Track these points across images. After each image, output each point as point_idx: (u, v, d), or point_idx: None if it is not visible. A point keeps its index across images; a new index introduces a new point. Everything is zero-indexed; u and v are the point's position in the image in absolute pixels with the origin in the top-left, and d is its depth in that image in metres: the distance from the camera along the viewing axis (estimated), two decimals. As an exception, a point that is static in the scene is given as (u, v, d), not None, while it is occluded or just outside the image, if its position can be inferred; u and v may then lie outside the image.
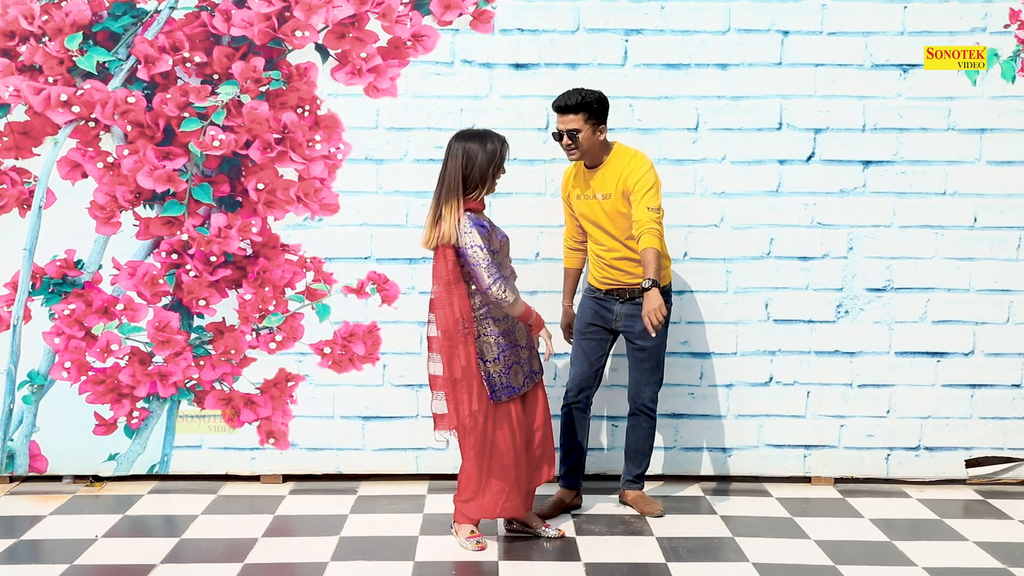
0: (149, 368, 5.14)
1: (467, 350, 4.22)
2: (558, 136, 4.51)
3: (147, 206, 5.11)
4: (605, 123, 4.53)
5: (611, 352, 4.82)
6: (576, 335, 4.76)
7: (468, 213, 4.19)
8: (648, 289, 4.32)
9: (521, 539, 4.45)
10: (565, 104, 4.45)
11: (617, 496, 4.93)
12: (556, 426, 4.74)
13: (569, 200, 4.71)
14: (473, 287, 4.26)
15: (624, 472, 4.86)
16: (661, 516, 4.69)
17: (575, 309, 4.84)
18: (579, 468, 4.78)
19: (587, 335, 4.72)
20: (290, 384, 5.20)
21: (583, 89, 4.50)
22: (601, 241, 4.62)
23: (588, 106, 4.44)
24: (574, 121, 4.44)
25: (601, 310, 4.69)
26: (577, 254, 4.83)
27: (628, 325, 4.66)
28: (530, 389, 4.40)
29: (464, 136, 4.28)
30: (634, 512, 4.77)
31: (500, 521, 4.55)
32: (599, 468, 5.21)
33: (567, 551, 4.33)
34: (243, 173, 5.09)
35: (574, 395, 4.72)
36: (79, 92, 5.01)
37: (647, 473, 4.93)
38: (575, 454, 4.76)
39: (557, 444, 4.69)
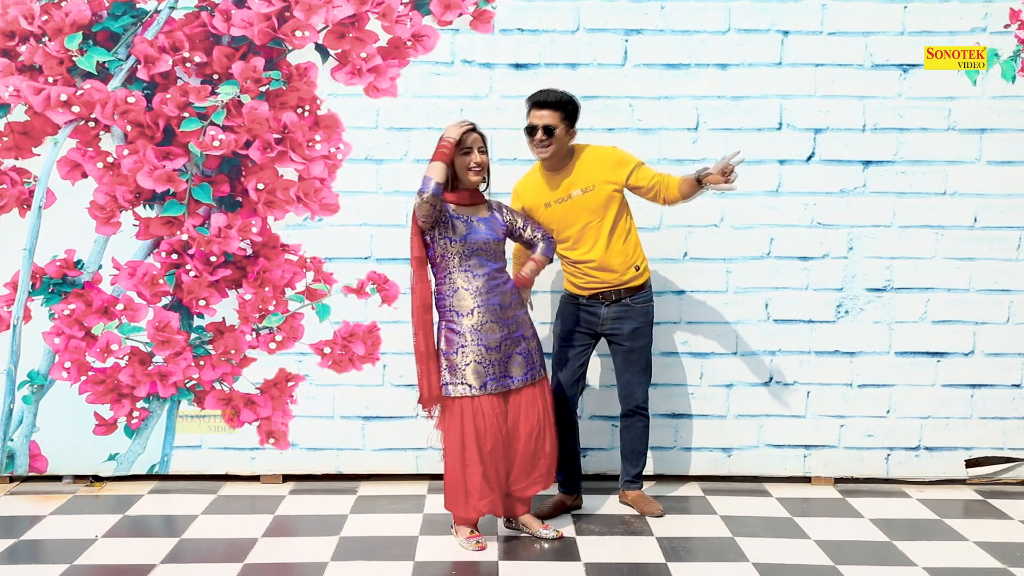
0: (149, 368, 5.14)
1: (425, 336, 4.28)
2: (531, 130, 4.45)
3: (147, 206, 5.11)
4: (575, 128, 4.53)
5: (591, 356, 4.78)
6: (558, 342, 4.72)
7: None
8: (703, 171, 4.42)
9: (521, 539, 4.45)
10: (544, 100, 4.43)
11: (617, 496, 4.93)
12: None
13: (534, 213, 4.61)
14: (444, 276, 4.31)
15: (622, 472, 4.86)
16: (661, 516, 4.69)
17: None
18: (575, 473, 4.76)
19: (570, 342, 4.68)
20: (290, 384, 5.20)
21: (560, 90, 4.50)
22: (582, 245, 4.55)
23: (565, 106, 4.45)
24: (551, 117, 4.42)
25: (585, 315, 4.65)
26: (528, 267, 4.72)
27: (616, 328, 4.63)
28: (512, 393, 4.36)
29: None
30: (634, 512, 4.77)
31: (500, 521, 4.55)
32: (599, 468, 5.21)
33: (567, 551, 4.33)
34: (243, 173, 5.09)
35: (561, 403, 4.67)
36: (79, 92, 5.01)
37: (645, 472, 4.94)
38: (570, 460, 4.73)
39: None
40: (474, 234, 4.30)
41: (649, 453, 4.99)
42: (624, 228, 4.59)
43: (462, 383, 4.28)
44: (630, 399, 4.73)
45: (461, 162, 4.28)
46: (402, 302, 5.16)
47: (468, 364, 4.27)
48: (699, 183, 4.45)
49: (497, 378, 4.32)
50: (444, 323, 4.33)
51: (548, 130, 4.42)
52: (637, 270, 4.61)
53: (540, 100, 4.45)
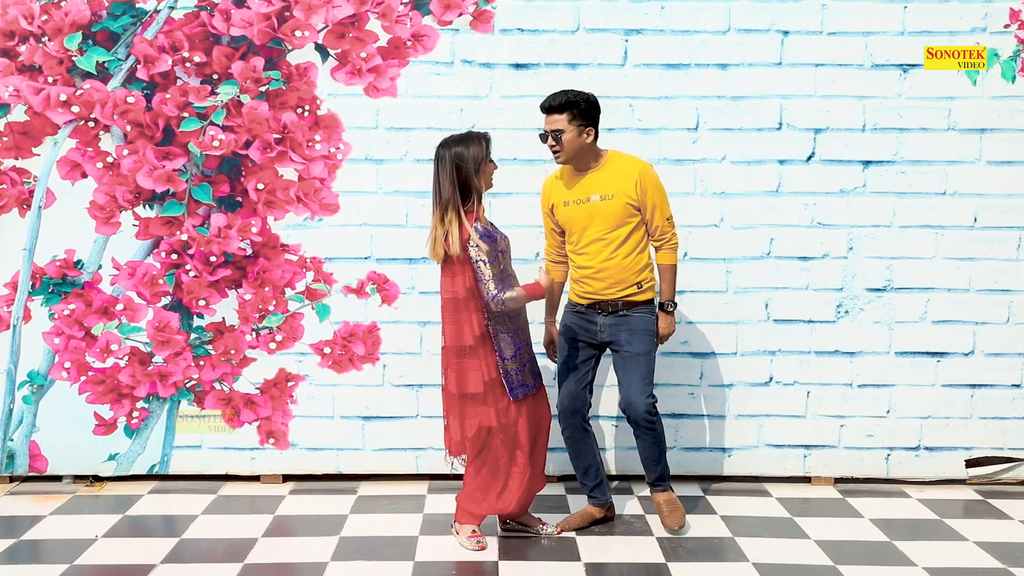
0: (149, 368, 5.14)
1: (486, 362, 4.24)
2: (543, 137, 4.40)
3: (147, 206, 5.11)
4: (594, 126, 4.40)
5: (598, 367, 4.66)
6: (562, 354, 4.62)
7: (476, 224, 4.19)
8: (669, 312, 4.54)
9: (521, 538, 4.45)
10: (550, 104, 4.35)
11: (617, 497, 4.92)
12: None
13: (553, 210, 4.54)
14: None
15: (646, 476, 4.68)
16: (679, 531, 4.54)
17: (557, 326, 4.73)
18: (602, 482, 4.65)
19: (574, 354, 4.57)
20: (290, 384, 5.20)
21: (572, 90, 4.40)
22: (587, 250, 4.45)
23: (574, 105, 4.32)
24: (559, 121, 4.34)
25: (585, 323, 4.54)
26: (559, 267, 4.67)
27: (614, 335, 4.48)
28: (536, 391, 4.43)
29: (449, 142, 4.26)
30: (634, 512, 4.77)
31: (498, 519, 4.55)
32: (599, 468, 5.21)
33: (567, 551, 4.33)
34: (243, 173, 5.09)
35: (569, 416, 4.56)
36: (79, 92, 5.01)
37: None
38: (593, 470, 4.62)
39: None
40: (502, 237, 4.33)
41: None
42: (635, 245, 4.43)
43: (522, 385, 4.30)
44: (629, 408, 4.48)
45: (489, 169, 4.26)
46: (402, 302, 5.16)
47: (525, 364, 4.33)
48: (661, 307, 4.57)
49: (536, 374, 4.43)
50: (498, 330, 4.27)
51: (555, 135, 4.35)
52: (639, 288, 4.45)
53: (547, 105, 4.37)
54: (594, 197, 4.40)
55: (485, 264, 4.17)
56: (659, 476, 4.62)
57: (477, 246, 4.16)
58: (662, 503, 4.61)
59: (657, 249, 4.52)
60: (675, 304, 4.57)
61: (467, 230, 4.17)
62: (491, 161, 4.27)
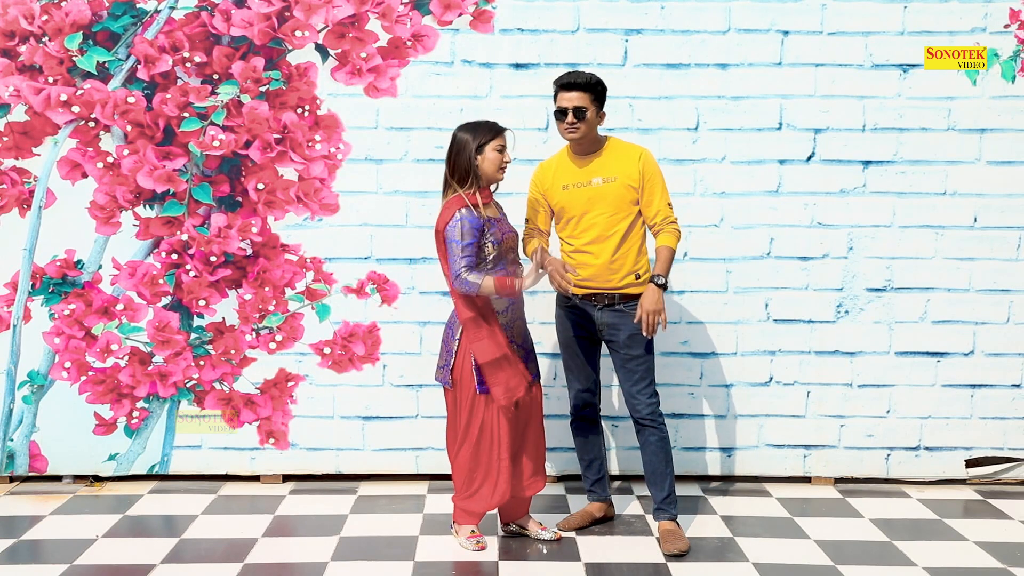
0: (149, 368, 5.14)
1: (492, 329, 4.22)
2: (562, 113, 4.33)
3: (147, 206, 5.11)
4: (604, 111, 4.43)
5: (600, 358, 4.64)
6: (563, 350, 4.58)
7: (464, 209, 4.18)
8: (660, 285, 4.28)
9: (521, 539, 4.45)
10: (574, 81, 4.32)
11: (620, 497, 4.92)
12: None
13: (549, 194, 4.46)
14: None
15: (652, 498, 4.52)
16: (682, 554, 4.31)
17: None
18: (603, 478, 4.64)
19: (573, 348, 4.53)
20: (290, 384, 5.20)
21: (588, 72, 4.40)
22: (587, 235, 4.37)
23: (594, 88, 4.33)
24: (581, 99, 4.30)
25: (581, 319, 4.47)
26: (538, 239, 4.53)
27: (612, 334, 4.42)
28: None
29: (460, 126, 4.33)
30: (634, 512, 4.76)
31: (499, 521, 4.55)
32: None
33: (567, 551, 4.33)
34: (243, 173, 5.09)
35: (580, 409, 4.58)
36: (79, 92, 5.01)
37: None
38: (596, 465, 4.63)
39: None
40: (508, 232, 4.29)
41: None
42: (637, 233, 4.39)
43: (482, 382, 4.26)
44: (634, 410, 4.44)
45: (493, 160, 4.24)
46: (402, 302, 5.16)
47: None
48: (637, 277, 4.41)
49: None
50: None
51: (578, 112, 4.29)
52: (637, 279, 4.39)
53: (569, 82, 4.32)
54: (596, 180, 4.37)
55: (457, 244, 4.16)
56: (665, 497, 4.45)
57: (453, 226, 4.17)
58: (664, 532, 4.42)
59: (657, 233, 4.39)
60: (666, 281, 4.32)
61: (452, 211, 4.19)
62: (496, 151, 4.24)
